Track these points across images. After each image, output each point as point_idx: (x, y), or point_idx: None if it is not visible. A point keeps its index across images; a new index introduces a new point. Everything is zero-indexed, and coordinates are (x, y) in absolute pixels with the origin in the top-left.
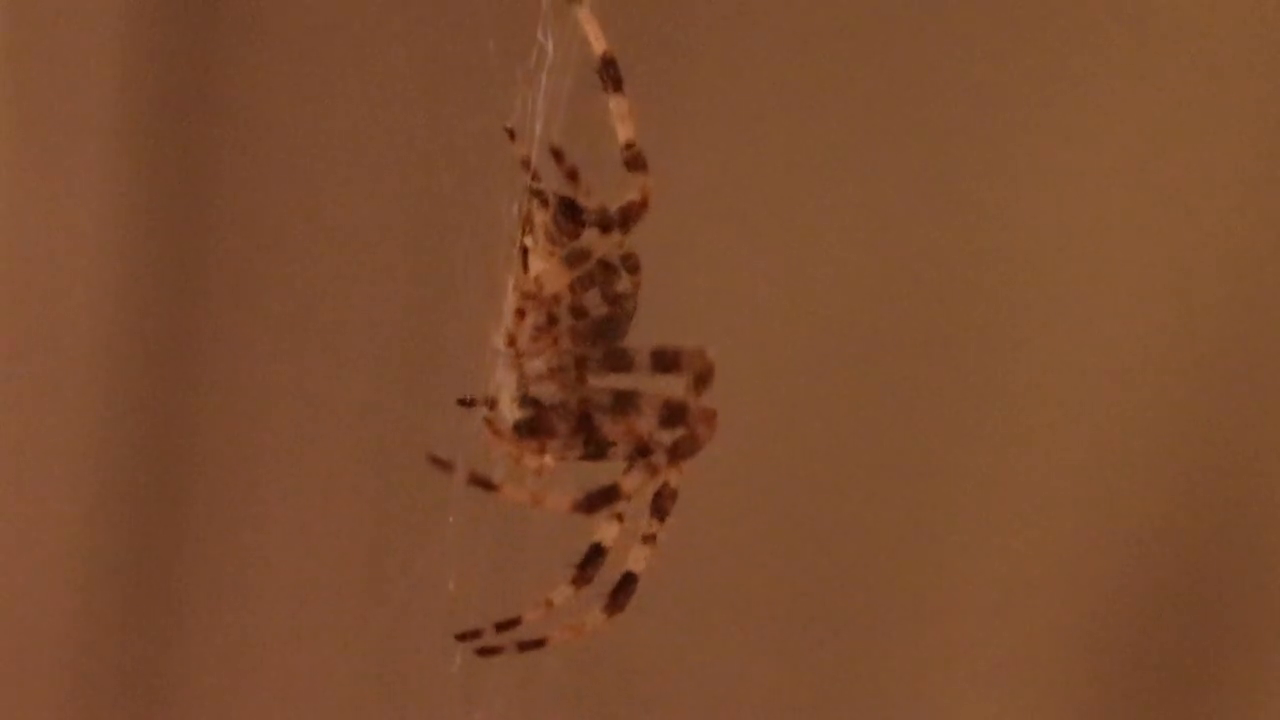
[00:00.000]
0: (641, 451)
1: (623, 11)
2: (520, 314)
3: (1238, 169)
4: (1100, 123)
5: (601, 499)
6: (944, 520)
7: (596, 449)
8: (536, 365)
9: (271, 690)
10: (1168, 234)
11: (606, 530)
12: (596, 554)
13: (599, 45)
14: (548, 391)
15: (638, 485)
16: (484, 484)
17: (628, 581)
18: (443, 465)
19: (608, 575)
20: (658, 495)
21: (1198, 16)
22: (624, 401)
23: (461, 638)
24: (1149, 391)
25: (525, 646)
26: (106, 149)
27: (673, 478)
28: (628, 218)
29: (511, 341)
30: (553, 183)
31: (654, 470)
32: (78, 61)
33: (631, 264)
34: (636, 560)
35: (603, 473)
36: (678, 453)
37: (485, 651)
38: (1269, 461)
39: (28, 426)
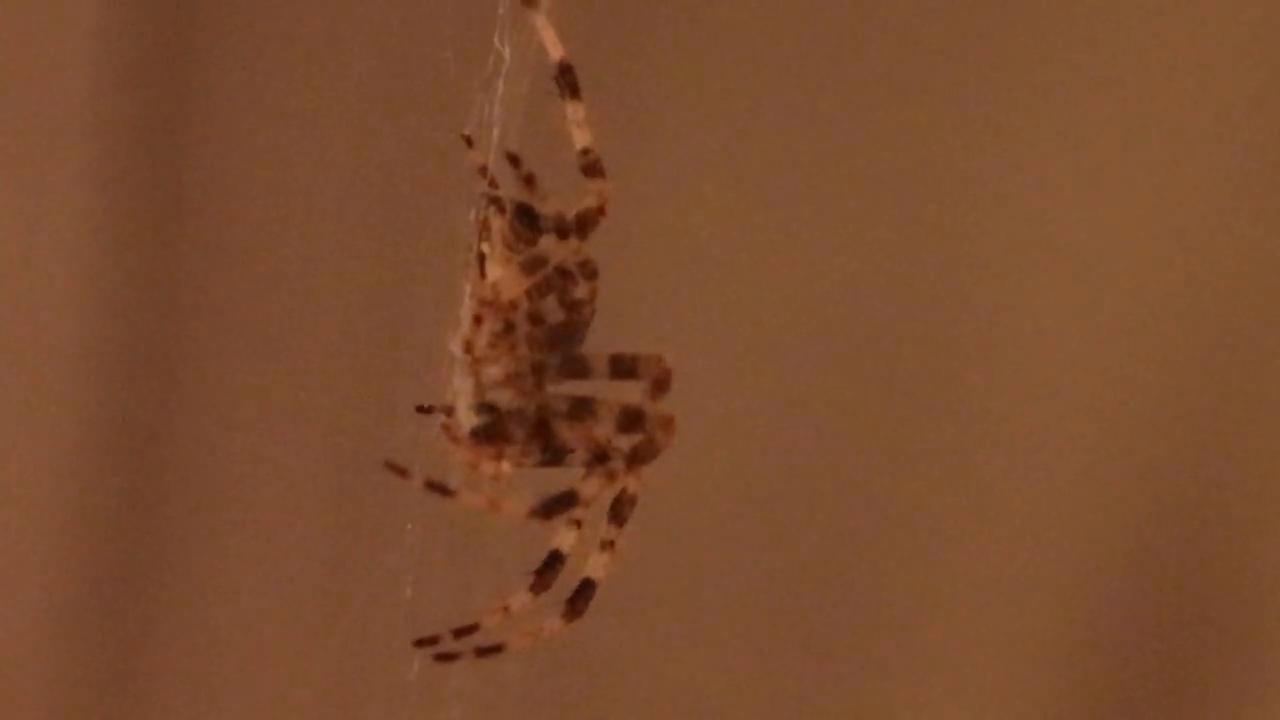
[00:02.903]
0: (599, 458)
1: (580, 18)
2: (478, 320)
3: (1227, 169)
4: (1088, 123)
5: (559, 505)
6: (919, 527)
7: (554, 455)
8: (493, 372)
9: (231, 695)
10: (1159, 233)
11: (565, 537)
12: (555, 560)
13: (556, 52)
14: (505, 398)
15: (596, 491)
16: (441, 490)
17: (586, 588)
18: (399, 471)
19: (566, 581)
20: (616, 501)
21: (1187, 15)
22: (581, 408)
23: (419, 644)
24: (1140, 391)
25: (483, 652)
26: (71, 167)
27: (631, 484)
28: (585, 224)
29: (469, 348)
30: (510, 189)
31: (612, 476)
32: (49, 69)
33: (589, 270)
34: (595, 567)
35: (561, 479)
36: (636, 458)
37: (443, 657)
38: (1263, 462)
39: None
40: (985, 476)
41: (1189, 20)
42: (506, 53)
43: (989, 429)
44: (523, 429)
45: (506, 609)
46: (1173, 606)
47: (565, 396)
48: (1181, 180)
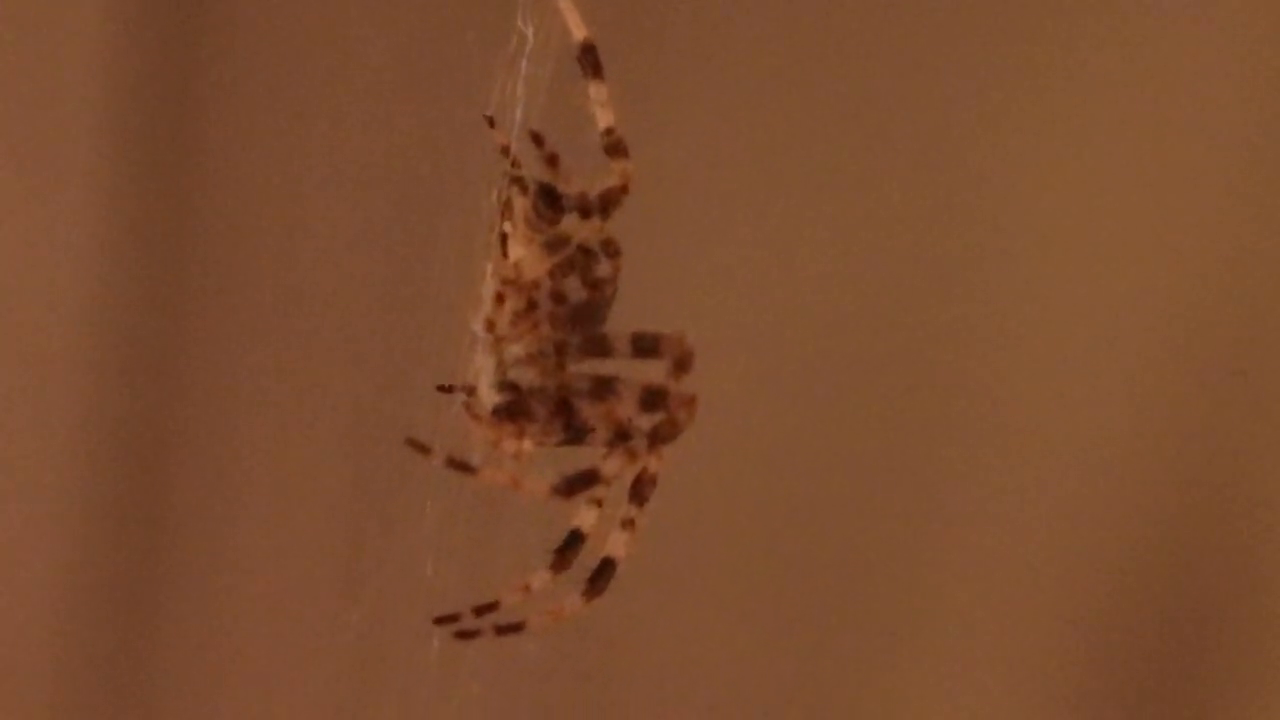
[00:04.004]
0: (621, 437)
1: None
2: (500, 299)
3: (1233, 169)
4: (1093, 120)
5: (580, 483)
6: (932, 513)
7: (575, 434)
8: (516, 350)
9: (251, 673)
10: (1161, 234)
11: (585, 516)
12: (575, 540)
13: (578, 32)
14: (527, 376)
15: (617, 470)
16: (462, 467)
17: (607, 566)
18: (421, 448)
19: (587, 559)
20: (637, 481)
21: (1192, 15)
22: (603, 386)
23: (439, 621)
24: (1142, 388)
25: (503, 630)
26: (83, 146)
27: (653, 463)
28: (608, 203)
29: (491, 327)
30: (532, 169)
31: (633, 455)
32: (57, 61)
33: (611, 249)
34: (616, 545)
35: (582, 458)
36: (657, 437)
37: (463, 635)
38: (1265, 463)
39: (6, 422)
40: (994, 470)
41: (1198, 23)
42: (529, 33)
43: (998, 419)
44: (544, 407)
45: (527, 588)
46: (1177, 605)
47: (587, 375)
48: (1188, 182)
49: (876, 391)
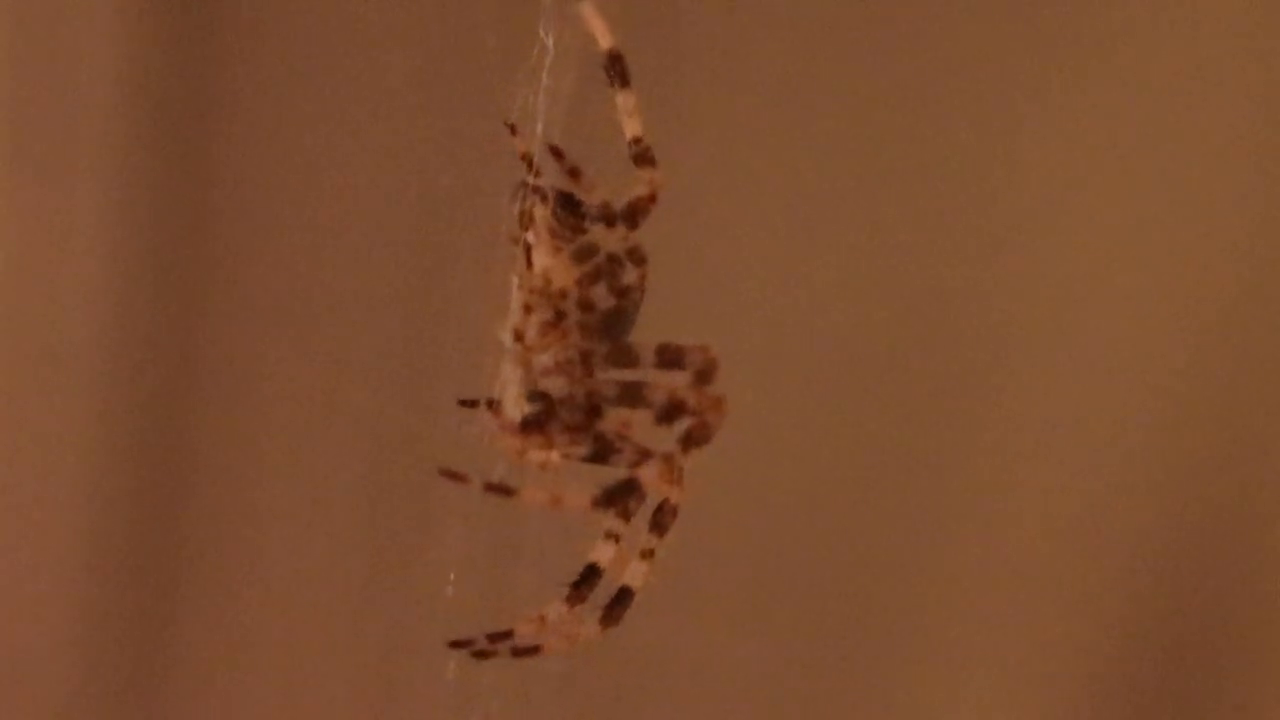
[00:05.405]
0: (645, 454)
1: (625, 7)
2: (528, 309)
3: (1235, 174)
4: (1100, 126)
5: (620, 493)
6: (944, 524)
7: (602, 448)
8: (544, 359)
9: (270, 688)
10: (1165, 238)
11: (603, 551)
12: (592, 574)
13: (605, 41)
14: (556, 385)
15: (655, 477)
16: (502, 491)
17: (624, 596)
18: (457, 478)
19: (605, 585)
20: (658, 511)
21: (1195, 20)
22: (630, 394)
23: (455, 645)
24: (1147, 391)
25: (519, 653)
26: (102, 151)
27: (674, 494)
28: (635, 212)
29: (519, 337)
30: (552, 178)
31: (669, 461)
32: (74, 63)
33: (637, 256)
34: (634, 575)
35: (617, 476)
36: (690, 440)
37: (481, 654)
38: (1267, 466)
39: (27, 434)
40: (1007, 477)
41: (1203, 24)
42: (550, 43)
43: (1013, 428)
44: (573, 416)
45: (543, 619)
46: (1185, 610)
47: (614, 383)
48: (1196, 185)
49: (899, 408)
